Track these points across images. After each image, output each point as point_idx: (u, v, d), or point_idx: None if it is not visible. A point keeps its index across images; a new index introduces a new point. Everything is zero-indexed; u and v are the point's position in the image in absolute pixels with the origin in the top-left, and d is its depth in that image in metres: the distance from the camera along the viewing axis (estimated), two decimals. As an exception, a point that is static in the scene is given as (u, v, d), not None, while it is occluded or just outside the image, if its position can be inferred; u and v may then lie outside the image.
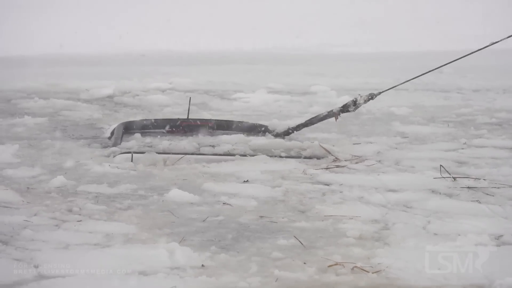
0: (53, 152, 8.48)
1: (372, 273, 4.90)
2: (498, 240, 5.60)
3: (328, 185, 7.18)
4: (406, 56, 22.24)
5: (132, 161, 7.68)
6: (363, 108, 11.79)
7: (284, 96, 14.21)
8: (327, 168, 7.71)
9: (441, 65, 7.94)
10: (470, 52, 7.78)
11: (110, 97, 13.80)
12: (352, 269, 4.94)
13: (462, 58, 7.85)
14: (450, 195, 6.90)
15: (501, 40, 7.59)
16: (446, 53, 18.51)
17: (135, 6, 34.07)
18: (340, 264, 5.00)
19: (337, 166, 7.86)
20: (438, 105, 13.49)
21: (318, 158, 8.07)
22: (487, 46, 7.65)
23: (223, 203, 6.44)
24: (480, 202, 6.63)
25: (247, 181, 7.13)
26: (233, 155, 8.03)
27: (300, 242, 5.48)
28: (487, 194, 6.93)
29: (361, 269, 4.94)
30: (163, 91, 14.65)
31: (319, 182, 7.29)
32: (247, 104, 13.12)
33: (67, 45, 21.86)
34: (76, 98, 13.46)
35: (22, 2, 32.43)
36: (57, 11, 30.69)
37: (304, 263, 5.07)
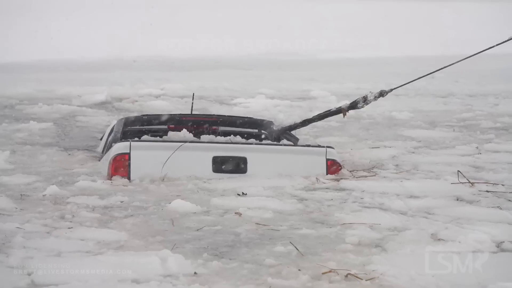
0: (47, 160, 8.45)
1: (366, 280, 4.89)
2: (498, 247, 5.59)
3: (350, 191, 7.15)
4: (397, 62, 22.27)
5: (130, 150, 7.42)
6: (364, 113, 11.83)
7: (284, 101, 14.23)
8: (338, 179, 7.60)
9: (449, 64, 7.82)
10: (474, 53, 7.72)
11: (103, 103, 13.77)
12: (346, 276, 4.93)
13: (471, 57, 7.78)
14: (471, 202, 6.91)
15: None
16: (436, 57, 18.53)
17: (126, 12, 34.02)
18: (334, 271, 4.99)
19: (363, 176, 7.80)
20: (438, 110, 13.52)
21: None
22: (503, 42, 7.60)
23: (235, 213, 6.37)
24: (501, 208, 6.65)
25: (245, 194, 6.99)
26: (234, 143, 7.83)
27: (296, 248, 5.46)
28: (509, 200, 6.94)
29: (355, 276, 4.93)
30: (156, 96, 14.64)
31: (340, 189, 7.25)
32: (248, 109, 13.13)
33: (57, 51, 21.82)
34: (79, 103, 13.47)
35: (12, 9, 32.31)
36: (47, 17, 30.59)
37: (299, 269, 5.05)
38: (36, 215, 6.20)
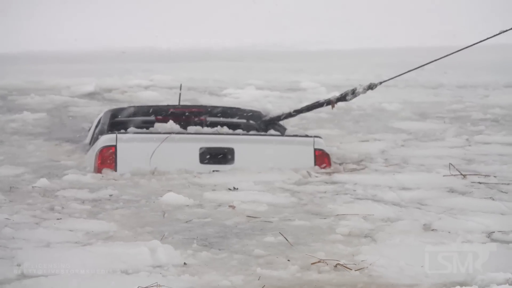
0: (36, 150, 8.42)
1: (355, 270, 4.89)
2: (489, 237, 5.60)
3: (339, 184, 7.16)
4: (386, 53, 22.29)
5: (116, 142, 7.39)
6: (354, 104, 11.84)
7: (273, 92, 14.23)
8: (330, 173, 7.58)
9: (441, 56, 7.80)
10: (469, 45, 7.71)
11: (93, 93, 13.76)
12: (335, 266, 4.93)
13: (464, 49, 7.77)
14: (464, 193, 6.92)
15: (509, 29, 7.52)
16: (425, 49, 18.56)
17: (115, 3, 33.94)
18: (323, 262, 4.99)
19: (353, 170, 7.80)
20: (428, 101, 13.53)
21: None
22: (496, 35, 7.59)
23: (229, 206, 6.36)
24: (494, 199, 6.67)
25: (237, 188, 6.95)
26: (222, 134, 7.81)
27: (286, 238, 5.46)
28: (502, 191, 6.96)
29: (344, 266, 4.94)
30: (145, 87, 14.63)
31: (332, 182, 7.25)
32: (237, 100, 13.14)
33: (45, 42, 21.76)
34: (69, 94, 13.46)
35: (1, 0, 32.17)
36: (36, 9, 30.50)
37: (288, 260, 5.06)
38: (25, 206, 6.19)
